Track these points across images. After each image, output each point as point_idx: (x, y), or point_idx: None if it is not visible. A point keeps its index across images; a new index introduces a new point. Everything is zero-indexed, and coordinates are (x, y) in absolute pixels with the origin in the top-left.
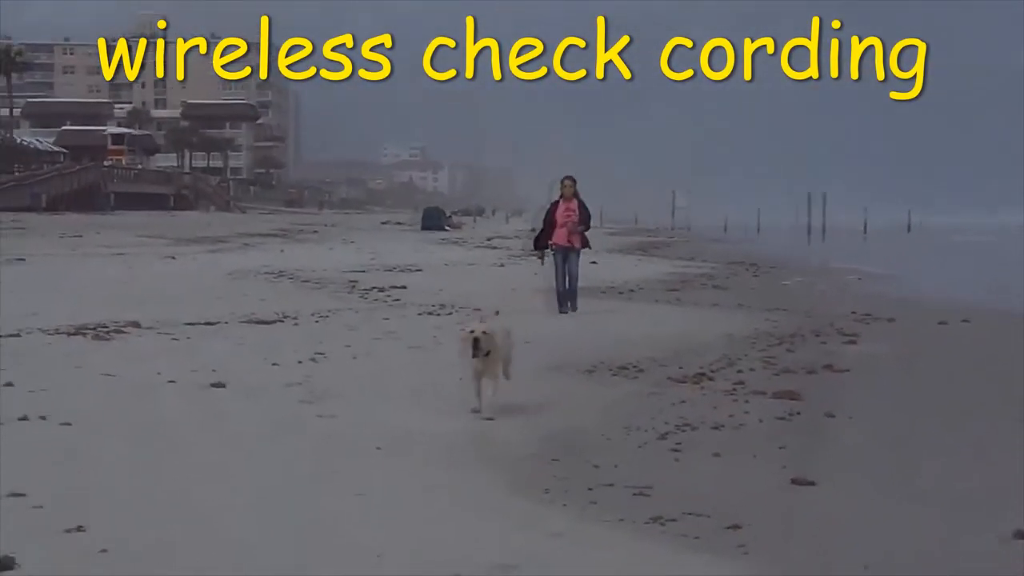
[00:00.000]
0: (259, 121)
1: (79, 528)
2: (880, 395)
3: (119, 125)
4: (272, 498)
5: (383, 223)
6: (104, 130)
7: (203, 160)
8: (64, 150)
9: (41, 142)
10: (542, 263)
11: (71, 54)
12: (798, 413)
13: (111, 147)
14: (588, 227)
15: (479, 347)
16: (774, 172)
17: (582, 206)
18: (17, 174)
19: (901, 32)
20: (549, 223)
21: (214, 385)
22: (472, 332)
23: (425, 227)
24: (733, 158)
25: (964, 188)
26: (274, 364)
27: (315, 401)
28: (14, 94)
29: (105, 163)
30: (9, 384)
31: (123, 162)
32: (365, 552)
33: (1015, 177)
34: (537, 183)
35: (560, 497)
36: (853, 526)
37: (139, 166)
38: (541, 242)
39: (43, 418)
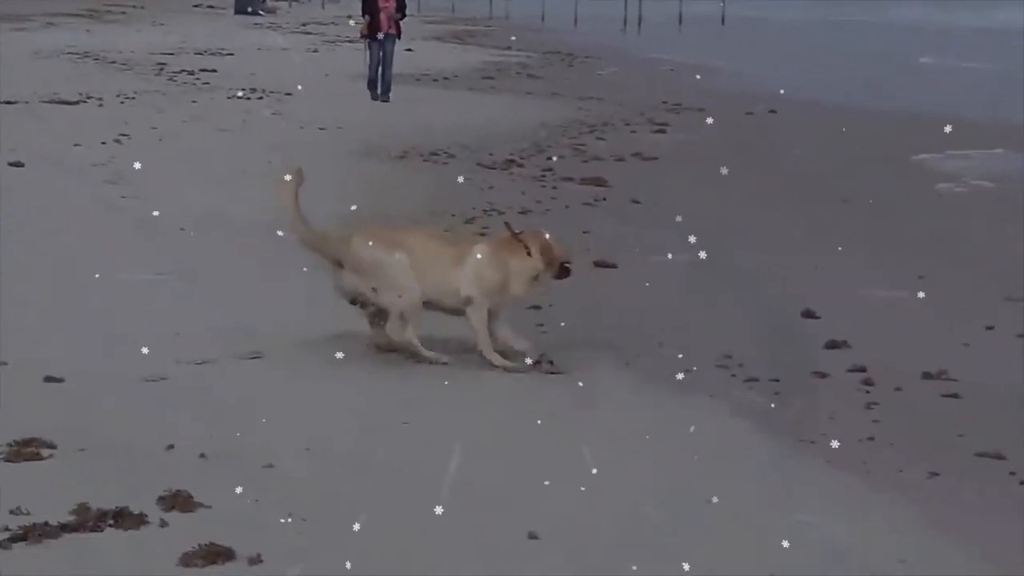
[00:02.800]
0: None
1: None
2: (685, 182)
3: None
4: (69, 279)
5: (195, 6)
6: None
7: None
8: None
9: None
10: (366, 50)
11: None
12: (604, 199)
13: None
14: (404, 15)
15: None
16: None
17: None
18: None
19: None
20: (373, 10)
21: (12, 164)
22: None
23: (238, 11)
24: None
25: None
26: (76, 144)
27: (119, 182)
28: None
29: None
30: None
31: None
32: (163, 329)
33: None
34: None
35: None
36: (651, 306)
37: None
38: (373, 28)
39: None
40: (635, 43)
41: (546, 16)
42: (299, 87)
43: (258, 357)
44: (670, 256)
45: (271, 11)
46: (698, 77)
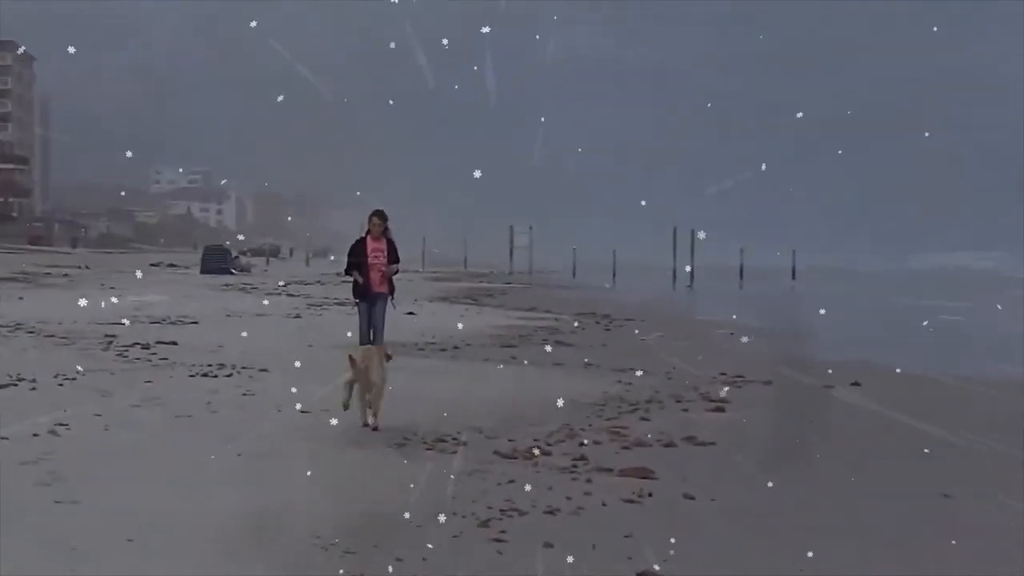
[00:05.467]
0: None
1: None
2: (750, 473)
3: None
4: None
5: (153, 265)
6: None
7: None
8: None
9: None
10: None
11: None
12: (650, 494)
13: None
14: (397, 271)
15: None
16: (634, 206)
17: (391, 246)
18: None
19: None
20: (361, 266)
21: None
22: None
23: (206, 270)
24: (587, 185)
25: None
26: (2, 439)
27: (54, 483)
28: None
29: None
30: None
31: None
32: None
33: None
34: (350, 216)
35: None
36: None
37: None
38: (361, 288)
39: None
40: (687, 301)
41: (578, 270)
42: (277, 361)
43: None
44: (731, 564)
45: (245, 269)
46: (762, 343)
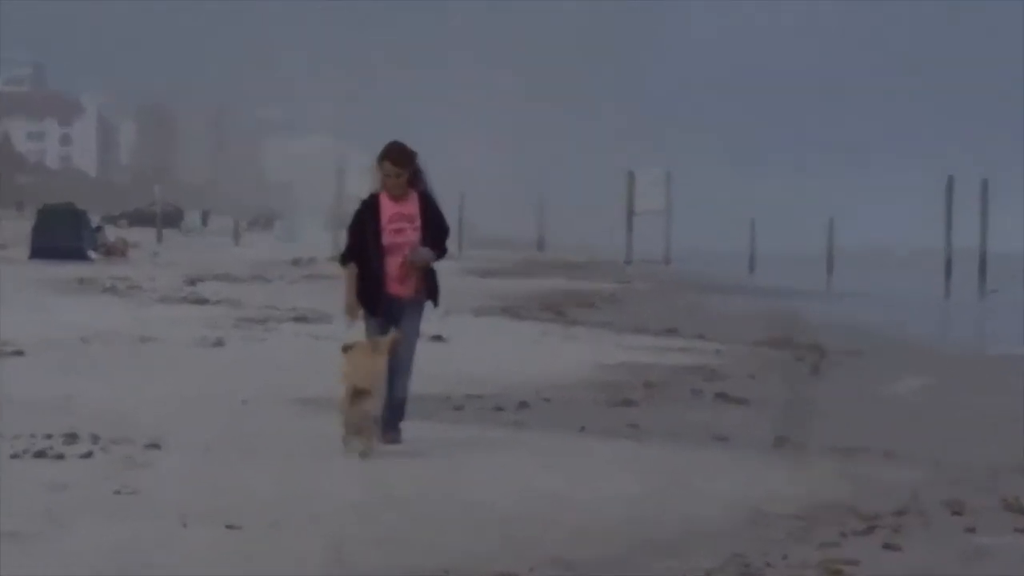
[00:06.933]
0: None
1: None
2: None
3: None
4: None
5: None
6: None
7: None
8: None
9: None
10: (349, 325)
11: None
12: None
13: None
14: (443, 253)
15: None
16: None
17: (429, 206)
18: None
19: None
20: (374, 248)
21: None
22: None
23: (41, 251)
24: (771, 107)
25: None
26: None
27: None
28: None
29: None
30: None
31: None
32: None
33: None
34: (315, 150)
35: None
36: None
37: None
38: (371, 290)
39: None
40: (971, 320)
41: (759, 258)
42: (179, 427)
43: None
44: None
45: (115, 251)
46: None
